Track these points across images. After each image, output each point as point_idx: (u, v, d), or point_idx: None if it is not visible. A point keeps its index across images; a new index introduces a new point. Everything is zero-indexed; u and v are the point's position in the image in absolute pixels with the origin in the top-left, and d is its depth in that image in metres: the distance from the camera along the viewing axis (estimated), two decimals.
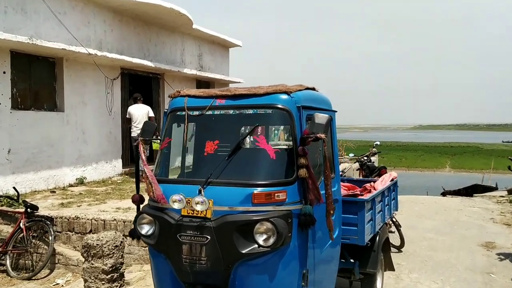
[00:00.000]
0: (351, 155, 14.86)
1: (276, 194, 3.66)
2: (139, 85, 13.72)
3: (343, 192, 6.29)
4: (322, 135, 3.72)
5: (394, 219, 8.13)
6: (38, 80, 10.33)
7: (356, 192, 5.95)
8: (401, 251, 8.35)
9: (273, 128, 4.32)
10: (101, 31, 11.62)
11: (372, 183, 6.56)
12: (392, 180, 6.59)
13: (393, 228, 8.29)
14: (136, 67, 12.56)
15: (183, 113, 4.14)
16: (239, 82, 17.74)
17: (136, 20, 12.82)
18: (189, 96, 4.23)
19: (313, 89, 4.52)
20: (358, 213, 4.89)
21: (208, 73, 15.82)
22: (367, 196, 5.49)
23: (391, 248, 8.39)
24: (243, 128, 3.97)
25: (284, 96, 3.96)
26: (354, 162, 15.00)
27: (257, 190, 3.63)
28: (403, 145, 78.76)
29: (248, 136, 3.86)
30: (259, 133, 3.89)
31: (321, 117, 3.79)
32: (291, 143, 3.89)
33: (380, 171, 13.26)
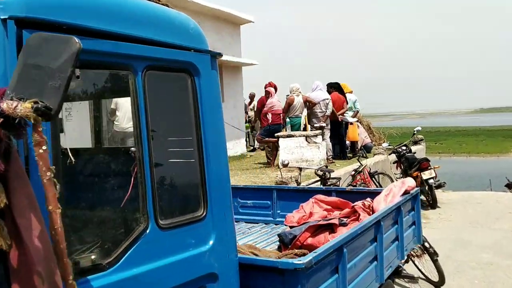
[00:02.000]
0: (385, 145, 11.94)
1: None
2: None
3: (320, 215, 3.63)
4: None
5: (426, 244, 5.32)
6: None
7: (331, 220, 3.28)
8: None
9: None
10: None
11: (368, 199, 3.82)
12: (406, 192, 3.81)
13: (425, 259, 5.45)
14: None
15: None
16: (253, 64, 15.17)
17: None
18: None
19: None
20: None
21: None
22: (347, 231, 2.81)
23: (428, 281, 5.65)
24: None
25: None
26: (390, 153, 12.07)
27: None
28: (463, 130, 73.44)
29: None
30: None
31: (38, 40, 1.24)
32: None
33: (421, 165, 10.31)
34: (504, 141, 50.79)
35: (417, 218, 4.05)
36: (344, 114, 13.15)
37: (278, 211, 4.37)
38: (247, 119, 16.52)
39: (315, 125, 11.73)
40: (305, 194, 4.24)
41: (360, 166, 8.77)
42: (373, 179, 10.52)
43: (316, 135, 10.70)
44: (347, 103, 12.86)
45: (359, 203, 3.67)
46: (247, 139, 16.20)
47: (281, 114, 11.55)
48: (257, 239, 3.93)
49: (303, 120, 11.55)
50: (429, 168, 9.95)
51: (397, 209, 3.48)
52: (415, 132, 11.75)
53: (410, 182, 3.88)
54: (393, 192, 3.68)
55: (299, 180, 6.29)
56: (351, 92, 13.55)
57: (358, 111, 13.62)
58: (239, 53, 15.12)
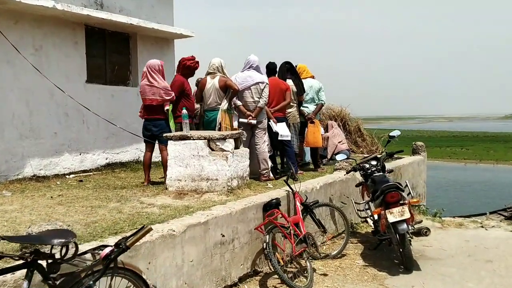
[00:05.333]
0: (339, 157, 7.60)
1: None
2: None
3: None
4: None
5: None
6: None
7: None
8: None
9: None
10: None
11: None
12: None
13: None
14: None
15: None
16: (187, 36, 11.05)
17: None
18: None
19: None
20: None
21: (117, 16, 9.27)
22: None
23: None
24: None
25: None
26: (349, 171, 7.75)
27: None
28: (491, 136, 68.90)
29: None
30: None
31: None
32: None
33: (385, 197, 6.05)
34: None
35: None
36: (302, 108, 8.99)
37: None
38: None
39: (243, 121, 7.62)
40: None
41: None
42: (312, 215, 6.30)
43: (224, 138, 6.51)
44: (300, 93, 8.69)
45: None
46: None
47: (157, 106, 7.27)
48: None
49: (220, 116, 7.42)
50: (400, 203, 5.66)
51: None
52: (394, 137, 7.46)
53: None
54: None
55: None
56: (312, 77, 9.32)
57: (322, 104, 9.36)
58: (169, 21, 11.02)
